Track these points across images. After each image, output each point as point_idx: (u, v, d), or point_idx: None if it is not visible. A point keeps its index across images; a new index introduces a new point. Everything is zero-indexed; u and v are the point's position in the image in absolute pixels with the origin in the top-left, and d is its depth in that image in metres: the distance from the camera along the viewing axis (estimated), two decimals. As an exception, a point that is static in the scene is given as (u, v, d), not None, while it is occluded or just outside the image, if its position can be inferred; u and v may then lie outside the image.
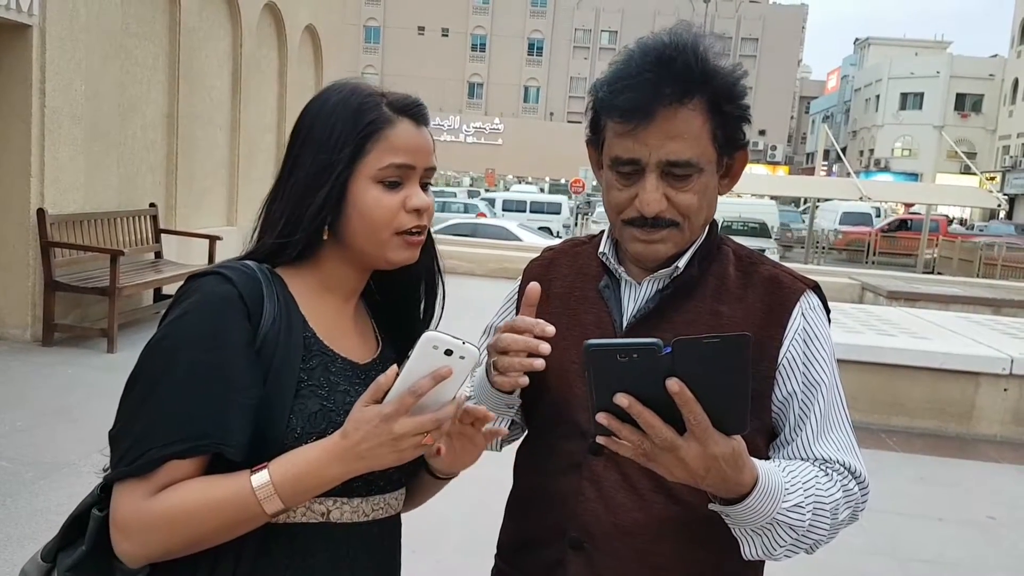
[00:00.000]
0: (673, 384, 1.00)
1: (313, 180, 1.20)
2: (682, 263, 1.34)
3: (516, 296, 1.53)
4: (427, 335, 1.07)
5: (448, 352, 1.06)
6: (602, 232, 1.47)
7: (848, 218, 29.89)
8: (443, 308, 1.40)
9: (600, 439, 1.07)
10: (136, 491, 1.08)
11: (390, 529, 1.30)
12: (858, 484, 1.28)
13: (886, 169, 54.92)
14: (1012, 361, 6.04)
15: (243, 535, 1.12)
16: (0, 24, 6.25)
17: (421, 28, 69.44)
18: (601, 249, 1.42)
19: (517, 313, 1.48)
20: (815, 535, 1.22)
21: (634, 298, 1.38)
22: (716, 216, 1.41)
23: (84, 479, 4.11)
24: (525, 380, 1.23)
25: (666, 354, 1.00)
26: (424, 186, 1.26)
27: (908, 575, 3.96)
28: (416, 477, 1.34)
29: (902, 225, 28.71)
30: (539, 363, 1.20)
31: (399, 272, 1.30)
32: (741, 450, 1.09)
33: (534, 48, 71.06)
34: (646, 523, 1.29)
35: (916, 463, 5.51)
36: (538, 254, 1.59)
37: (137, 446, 1.08)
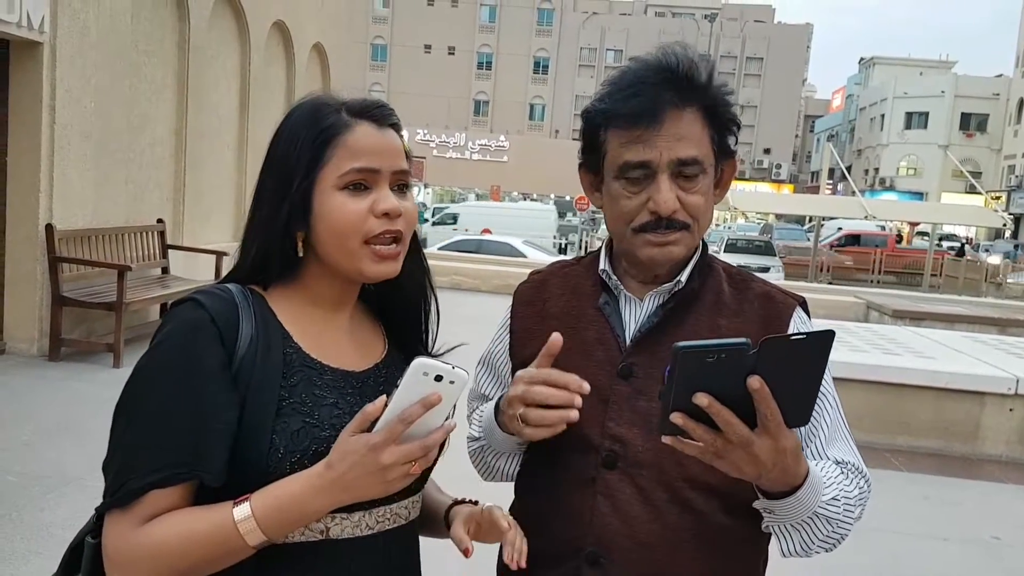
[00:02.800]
0: (755, 381, 1.02)
1: (276, 197, 1.18)
2: (684, 277, 1.37)
3: (509, 322, 1.53)
4: (417, 362, 1.06)
5: (438, 378, 1.05)
6: (593, 252, 1.50)
7: (852, 237, 29.83)
8: (438, 325, 1.38)
9: (666, 439, 1.09)
10: (123, 522, 1.08)
11: (401, 540, 1.26)
12: (867, 484, 1.34)
13: (891, 188, 54.94)
14: (1017, 381, 6.02)
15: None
16: (11, 41, 6.32)
17: (428, 46, 69.82)
18: (601, 266, 1.44)
19: (511, 339, 1.50)
20: (842, 530, 1.26)
21: (635, 314, 1.40)
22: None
23: (90, 494, 4.11)
24: (560, 429, 1.23)
25: (752, 353, 1.02)
26: (402, 190, 1.22)
27: (913, 595, 3.94)
28: (429, 522, 1.34)
29: (853, 240, 28.46)
30: (575, 415, 1.21)
31: (390, 288, 1.28)
32: (800, 443, 1.14)
33: (540, 66, 71.37)
34: (662, 535, 1.30)
35: (921, 482, 5.49)
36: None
37: (118, 477, 1.09)
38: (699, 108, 1.32)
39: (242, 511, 1.07)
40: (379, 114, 1.21)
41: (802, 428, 1.32)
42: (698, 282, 1.39)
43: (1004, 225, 27.94)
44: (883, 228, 31.17)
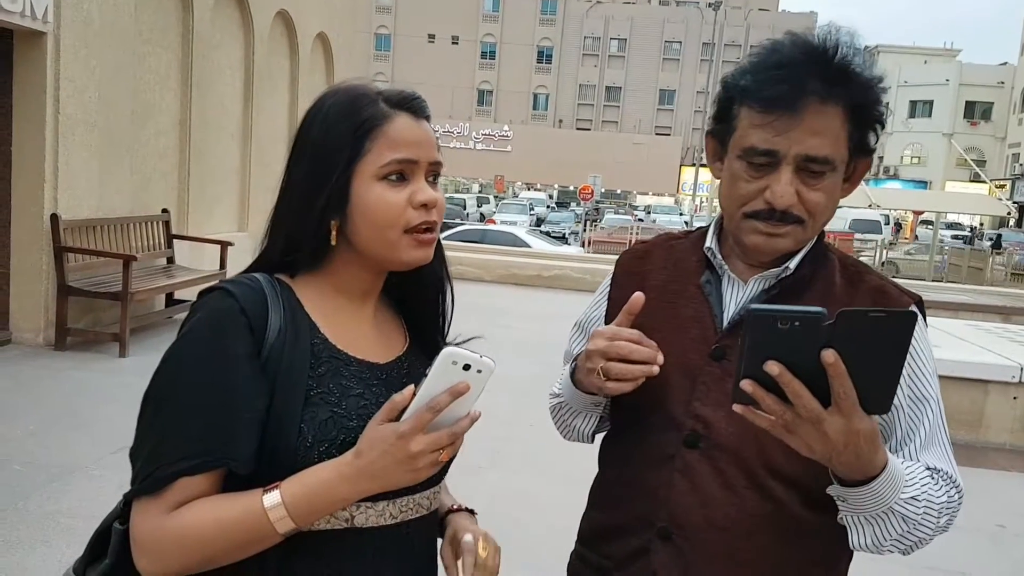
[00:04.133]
0: (828, 355, 0.98)
1: (312, 185, 1.18)
2: (793, 264, 1.33)
3: (608, 289, 1.52)
4: (446, 351, 1.07)
5: (467, 367, 1.07)
6: (702, 228, 1.46)
7: (857, 225, 29.81)
8: (453, 313, 1.39)
9: (737, 407, 1.06)
10: (151, 509, 1.09)
11: (424, 529, 1.27)
12: (958, 493, 1.29)
13: (895, 177, 54.77)
14: (1021, 369, 6.02)
15: None
16: (15, 31, 6.32)
17: (431, 36, 69.68)
18: (708, 244, 1.40)
19: (609, 306, 1.49)
20: (920, 533, 1.22)
21: (736, 295, 1.37)
22: None
23: (96, 483, 4.15)
24: (632, 386, 1.24)
25: (827, 325, 0.98)
26: (433, 180, 1.23)
27: (916, 583, 3.95)
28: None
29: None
30: (656, 370, 1.23)
31: (412, 276, 1.29)
32: (878, 431, 1.09)
33: (543, 56, 71.18)
34: (738, 518, 1.28)
35: (925, 471, 5.48)
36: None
37: (148, 465, 1.09)
38: (844, 101, 1.25)
39: (272, 498, 1.08)
40: (416, 106, 1.22)
41: (898, 429, 1.31)
42: (808, 270, 1.34)
43: (1008, 213, 27.88)
44: (886, 217, 31.13)
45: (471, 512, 1.38)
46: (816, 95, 1.23)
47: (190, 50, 8.41)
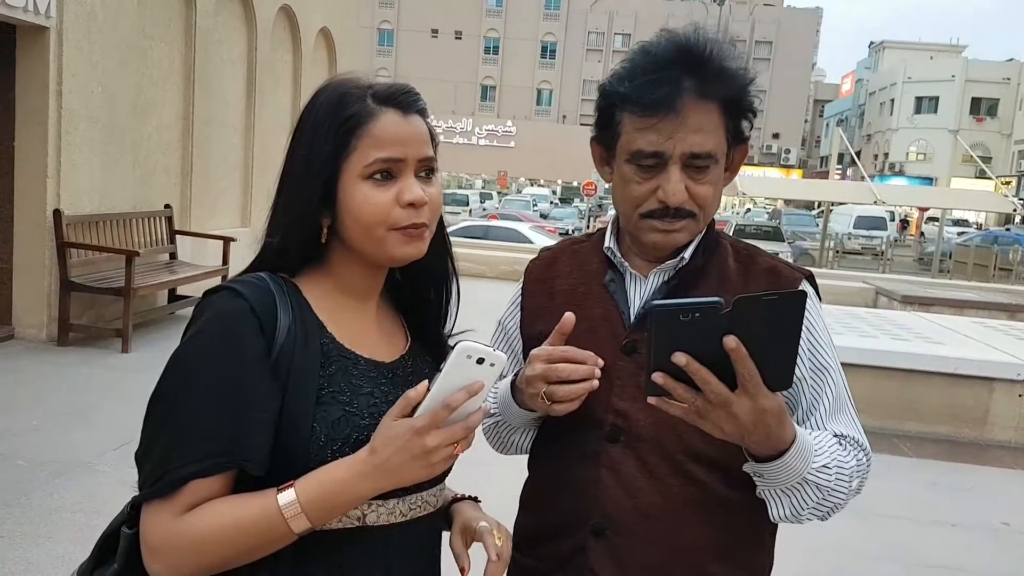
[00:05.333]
0: (730, 340, 1.04)
1: (300, 183, 1.18)
2: (687, 254, 1.39)
3: (520, 299, 1.55)
4: (461, 345, 1.07)
5: (480, 361, 1.08)
6: (601, 229, 1.51)
7: (862, 222, 29.73)
8: (458, 309, 1.39)
9: (651, 399, 1.12)
10: (163, 512, 1.08)
11: (431, 526, 1.28)
12: (867, 457, 1.35)
13: (900, 173, 54.67)
14: (1027, 367, 5.99)
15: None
16: (17, 26, 6.31)
17: (435, 31, 69.59)
18: (606, 244, 1.45)
19: (523, 315, 1.52)
20: (834, 499, 1.27)
21: (639, 291, 1.42)
22: None
23: (98, 478, 4.15)
24: (576, 405, 1.27)
25: (726, 312, 1.03)
26: (428, 176, 1.21)
27: (921, 581, 3.94)
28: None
29: None
30: (595, 384, 1.26)
31: (412, 272, 1.29)
32: (784, 408, 1.15)
33: (547, 51, 71.08)
34: (665, 506, 1.32)
35: (929, 468, 5.47)
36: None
37: (159, 467, 1.08)
38: (720, 99, 1.31)
39: (287, 497, 1.07)
40: (405, 101, 1.20)
41: (803, 400, 1.37)
42: (702, 259, 1.40)
43: (1014, 210, 27.79)
44: (892, 214, 31.04)
45: (475, 500, 1.39)
46: (693, 93, 1.29)
47: (193, 45, 8.40)
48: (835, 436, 1.32)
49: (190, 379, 1.10)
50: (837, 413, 1.36)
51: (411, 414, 1.08)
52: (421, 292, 1.35)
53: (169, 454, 1.08)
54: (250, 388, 1.10)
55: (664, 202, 1.32)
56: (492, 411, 1.49)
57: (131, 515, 1.16)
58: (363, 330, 1.25)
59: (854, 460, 1.31)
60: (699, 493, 1.32)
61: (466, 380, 1.08)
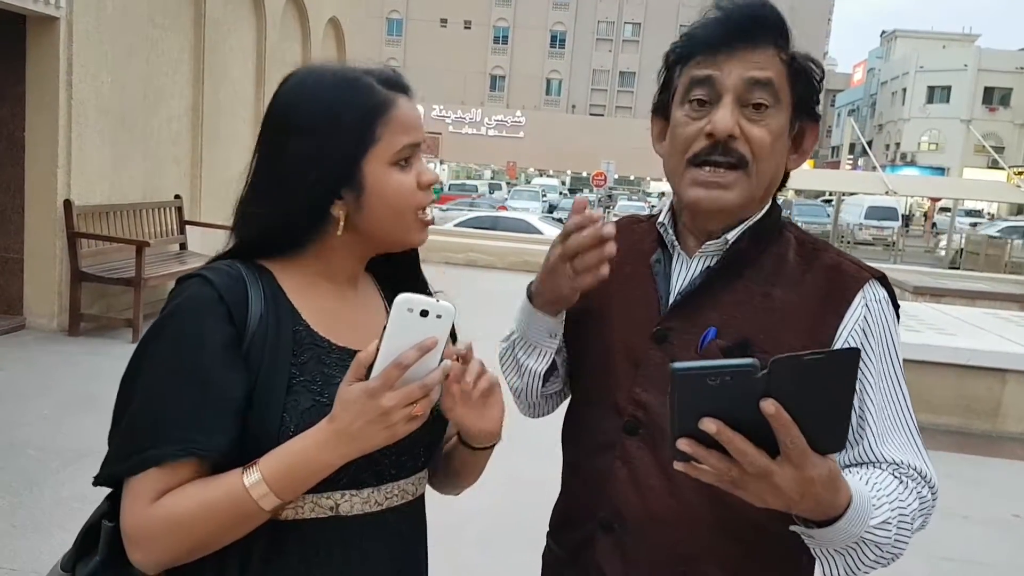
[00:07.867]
0: (769, 406, 0.90)
1: (311, 168, 1.15)
2: (732, 236, 1.27)
3: None
4: (401, 297, 1.04)
5: (424, 313, 1.03)
6: (662, 209, 1.42)
7: (874, 212, 29.54)
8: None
9: (678, 465, 0.97)
10: (137, 501, 1.08)
11: (409, 516, 1.26)
12: (930, 491, 1.21)
13: (912, 163, 54.33)
14: (1040, 358, 5.95)
15: (251, 534, 1.10)
16: (27, 16, 6.32)
17: (443, 20, 69.48)
18: (660, 219, 1.36)
19: None
20: (896, 551, 1.14)
21: (682, 275, 1.32)
22: None
23: (109, 468, 4.15)
24: (606, 270, 1.18)
25: (762, 375, 0.90)
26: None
27: (932, 573, 3.92)
28: (453, 458, 1.31)
29: None
30: (612, 247, 1.16)
31: (388, 259, 1.29)
32: (837, 471, 1.00)
33: (556, 40, 70.89)
34: (678, 511, 1.23)
35: (941, 460, 5.42)
36: None
37: (122, 450, 1.10)
38: (783, 55, 1.23)
39: (252, 476, 1.07)
40: (405, 84, 1.22)
41: (851, 420, 1.20)
42: (749, 243, 1.27)
43: (1027, 201, 27.59)
44: (906, 209, 30.85)
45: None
46: (754, 37, 1.21)
47: (202, 35, 8.39)
48: (894, 467, 1.19)
49: (156, 365, 1.11)
50: (891, 433, 1.21)
51: (367, 376, 1.05)
52: (400, 274, 1.33)
53: (130, 440, 1.09)
54: (213, 376, 1.09)
55: (712, 134, 1.20)
56: (510, 333, 1.41)
57: (110, 508, 1.17)
58: (341, 318, 1.23)
59: (916, 501, 1.16)
60: (717, 504, 1.18)
61: (416, 336, 1.04)
